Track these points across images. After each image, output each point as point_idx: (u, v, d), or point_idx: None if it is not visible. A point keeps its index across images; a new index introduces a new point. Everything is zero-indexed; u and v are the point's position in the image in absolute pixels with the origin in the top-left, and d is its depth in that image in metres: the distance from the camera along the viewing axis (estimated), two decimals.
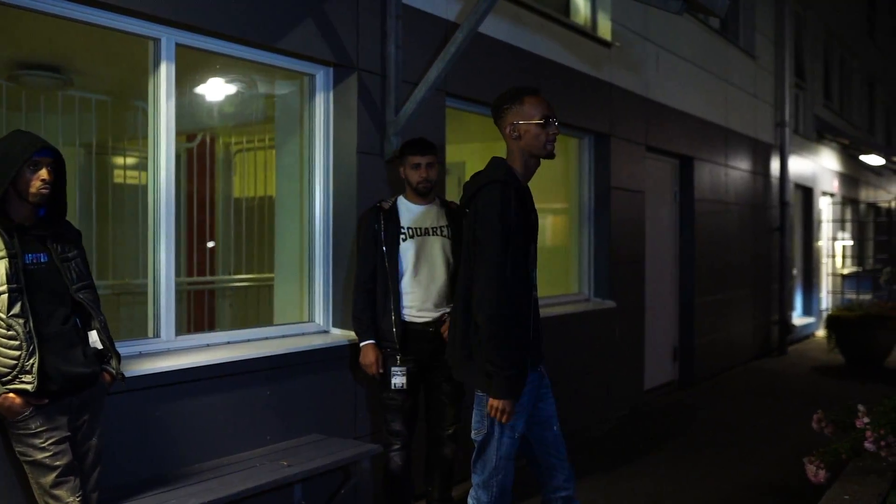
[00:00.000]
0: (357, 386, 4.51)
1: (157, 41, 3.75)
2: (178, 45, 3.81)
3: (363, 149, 4.58)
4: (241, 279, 5.68)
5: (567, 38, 6.56)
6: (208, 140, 6.23)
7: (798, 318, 13.20)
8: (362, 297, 4.09)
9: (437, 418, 4.25)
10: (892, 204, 18.71)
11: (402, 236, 4.10)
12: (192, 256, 5.82)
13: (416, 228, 4.13)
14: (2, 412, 2.85)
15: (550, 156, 3.20)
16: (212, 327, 6.03)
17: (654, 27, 7.95)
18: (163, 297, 3.79)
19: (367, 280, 4.09)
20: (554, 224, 7.57)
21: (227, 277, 5.58)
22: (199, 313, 5.97)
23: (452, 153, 7.88)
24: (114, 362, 3.10)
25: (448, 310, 4.10)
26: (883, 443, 3.85)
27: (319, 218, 4.59)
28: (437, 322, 4.10)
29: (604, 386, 7.14)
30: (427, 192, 4.17)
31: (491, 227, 3.02)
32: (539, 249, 6.92)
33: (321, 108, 4.58)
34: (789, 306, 12.00)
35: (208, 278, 5.81)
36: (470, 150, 7.74)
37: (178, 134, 3.86)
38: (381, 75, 4.71)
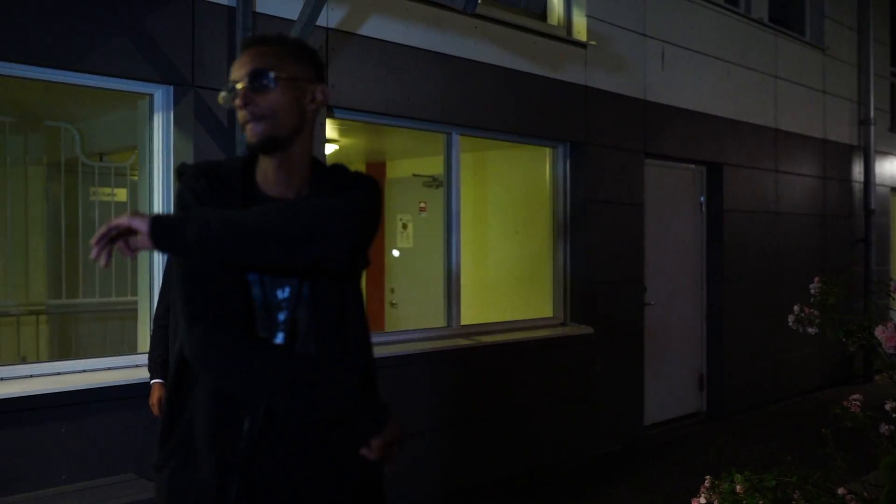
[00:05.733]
0: None
1: None
2: None
3: None
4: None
5: (517, 38, 6.01)
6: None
7: None
8: (156, 334, 3.82)
9: None
10: None
11: None
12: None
13: None
14: None
15: (252, 144, 1.89)
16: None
17: (656, 22, 7.19)
18: None
19: (161, 315, 3.82)
20: (526, 241, 6.99)
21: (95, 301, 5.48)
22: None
23: (429, 166, 7.51)
24: None
25: None
26: None
27: None
28: None
29: (583, 418, 6.49)
30: None
31: None
32: (508, 269, 6.21)
33: (160, 129, 4.37)
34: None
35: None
36: (462, 160, 7.29)
37: None
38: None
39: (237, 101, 1.85)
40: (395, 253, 8.08)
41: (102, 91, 4.29)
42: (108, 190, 5.62)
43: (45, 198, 5.82)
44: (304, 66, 1.93)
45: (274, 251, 1.73)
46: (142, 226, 1.63)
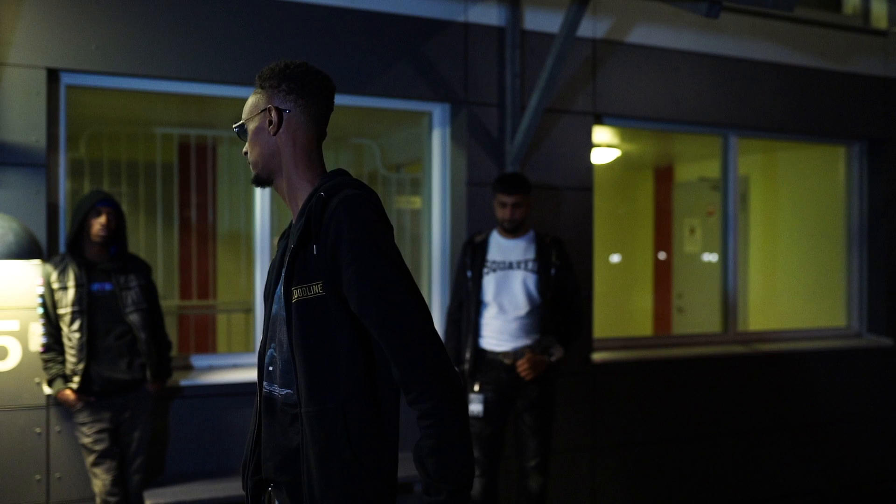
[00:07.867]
0: None
1: None
2: None
3: (474, 180, 4.70)
4: None
5: (801, 33, 5.71)
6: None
7: None
8: (449, 327, 4.29)
9: (520, 450, 4.22)
10: None
11: (486, 269, 4.18)
12: None
13: (499, 262, 4.18)
14: (62, 403, 3.74)
15: None
16: None
17: None
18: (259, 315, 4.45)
19: (454, 311, 4.27)
20: (818, 245, 6.55)
21: None
22: None
23: (716, 169, 7.31)
24: (148, 373, 3.81)
25: (529, 342, 4.08)
26: None
27: (437, 247, 4.84)
28: (514, 354, 4.08)
29: (884, 438, 5.99)
30: (514, 230, 4.18)
31: None
32: (798, 275, 6.13)
33: (438, 143, 4.83)
34: None
35: None
36: (751, 163, 7.08)
37: None
38: (499, 105, 4.77)
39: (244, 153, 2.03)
40: (713, 257, 7.90)
41: (393, 111, 4.85)
42: (405, 198, 6.26)
43: None
44: (262, 94, 1.95)
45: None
46: None
